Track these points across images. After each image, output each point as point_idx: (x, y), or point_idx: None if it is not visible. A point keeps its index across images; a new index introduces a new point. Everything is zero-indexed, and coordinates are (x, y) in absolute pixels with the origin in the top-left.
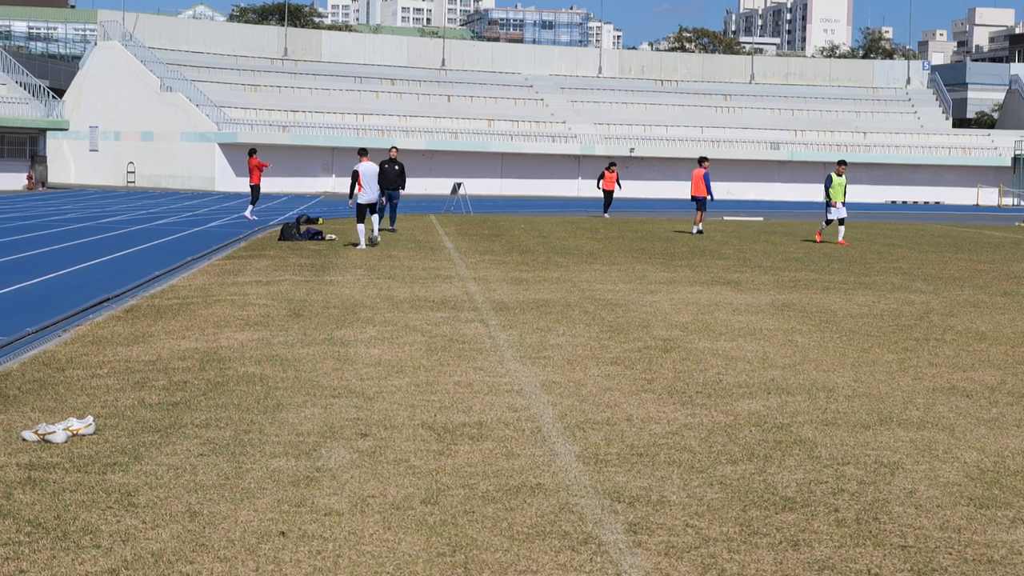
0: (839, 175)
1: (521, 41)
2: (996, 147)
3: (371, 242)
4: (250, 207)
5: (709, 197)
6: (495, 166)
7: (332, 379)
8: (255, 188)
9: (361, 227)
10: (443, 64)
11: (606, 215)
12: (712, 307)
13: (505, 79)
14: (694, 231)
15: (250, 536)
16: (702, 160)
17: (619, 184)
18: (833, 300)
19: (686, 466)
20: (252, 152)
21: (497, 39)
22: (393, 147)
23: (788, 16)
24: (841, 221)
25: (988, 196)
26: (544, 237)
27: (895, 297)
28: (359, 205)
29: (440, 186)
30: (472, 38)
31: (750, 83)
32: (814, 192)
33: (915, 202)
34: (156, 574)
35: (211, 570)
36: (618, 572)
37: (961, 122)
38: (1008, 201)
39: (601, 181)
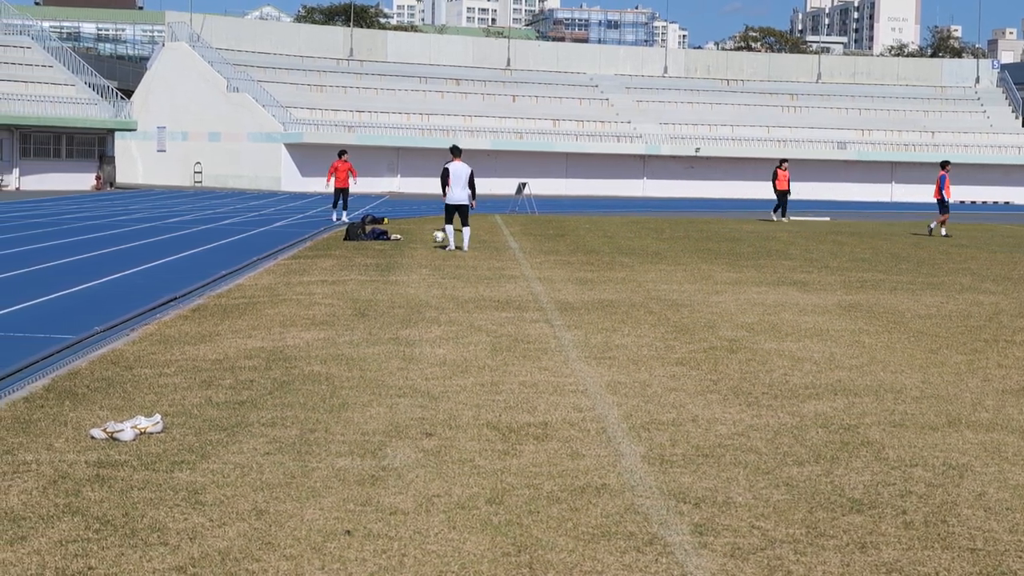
0: None
1: (586, 41)
2: None
3: (459, 247)
4: (338, 212)
5: (947, 199)
6: (560, 166)
7: (397, 379)
8: (337, 192)
9: (449, 228)
10: (508, 64)
11: (783, 218)
12: (778, 307)
13: (570, 79)
14: (932, 228)
15: (316, 535)
16: (944, 164)
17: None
18: (901, 301)
19: (752, 467)
20: (340, 154)
21: (562, 39)
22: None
23: (855, 15)
24: None
25: None
26: (609, 237)
27: (964, 298)
28: (446, 206)
29: (505, 186)
30: (537, 38)
31: (817, 82)
32: (881, 192)
33: (984, 202)
34: (223, 572)
35: (277, 568)
36: (683, 573)
37: None
38: None
39: (776, 181)
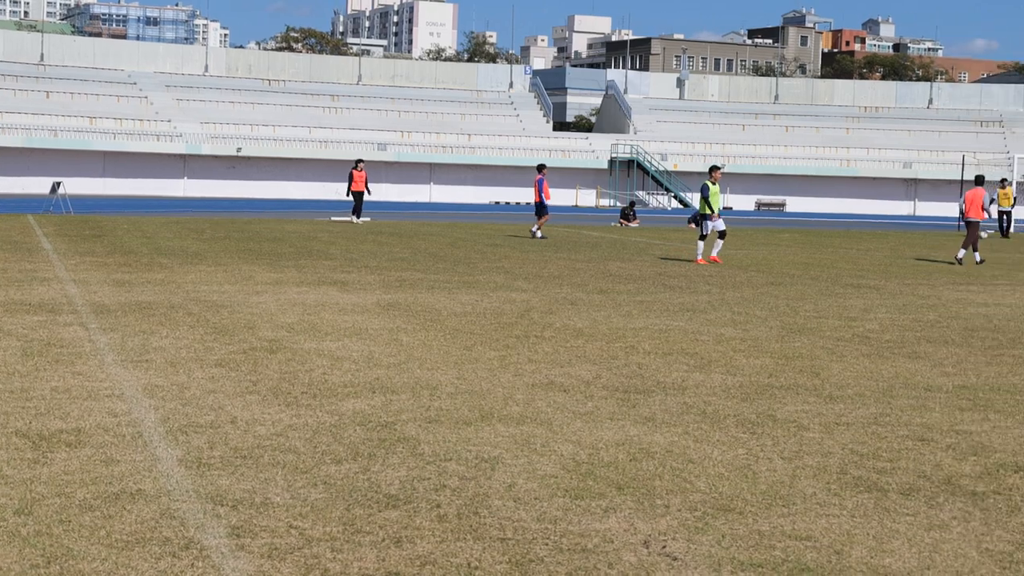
0: (714, 183)
1: (125, 37)
2: (594, 150)
3: None
4: None
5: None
6: (97, 165)
7: None
8: None
9: None
10: (42, 59)
11: (360, 219)
12: (318, 307)
13: (108, 76)
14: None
15: None
16: (541, 167)
17: (367, 187)
18: (437, 299)
19: (291, 467)
20: None
21: (100, 34)
22: None
23: (395, 19)
24: (722, 235)
25: (586, 197)
26: (148, 238)
27: (497, 296)
28: None
29: (38, 185)
30: (73, 33)
31: (358, 84)
32: (420, 193)
33: (518, 203)
34: None
35: None
36: None
37: (561, 125)
38: (605, 202)
39: (351, 183)
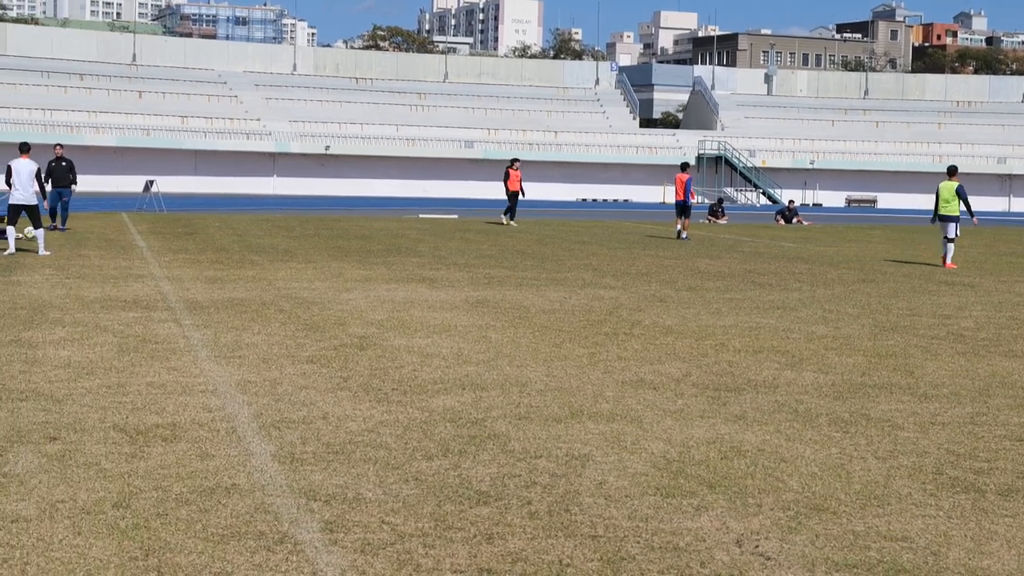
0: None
1: (214, 37)
2: (681, 146)
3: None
4: None
5: (690, 201)
6: (189, 163)
7: (19, 382)
8: None
9: (11, 229)
10: (134, 59)
11: (512, 222)
12: (408, 304)
13: (198, 75)
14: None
15: None
16: (684, 166)
17: (521, 188)
18: (526, 296)
19: (382, 463)
20: None
21: (190, 35)
22: (57, 144)
23: (480, 16)
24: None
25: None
26: (239, 235)
27: (586, 293)
28: (11, 206)
29: (132, 184)
30: (164, 33)
31: (444, 82)
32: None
33: (605, 200)
34: None
35: None
36: (314, 571)
37: (648, 122)
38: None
39: (507, 181)
